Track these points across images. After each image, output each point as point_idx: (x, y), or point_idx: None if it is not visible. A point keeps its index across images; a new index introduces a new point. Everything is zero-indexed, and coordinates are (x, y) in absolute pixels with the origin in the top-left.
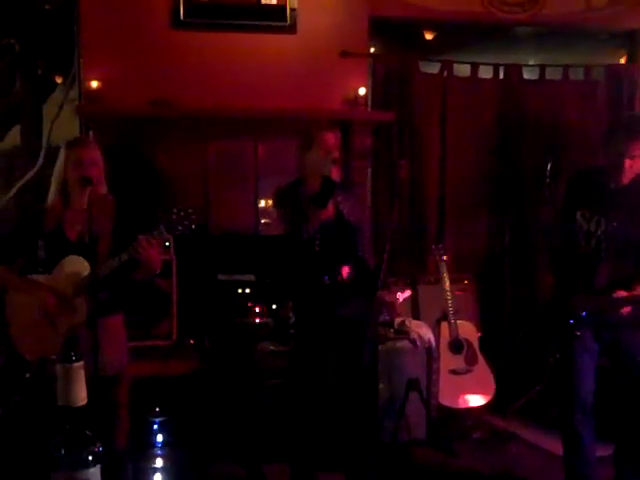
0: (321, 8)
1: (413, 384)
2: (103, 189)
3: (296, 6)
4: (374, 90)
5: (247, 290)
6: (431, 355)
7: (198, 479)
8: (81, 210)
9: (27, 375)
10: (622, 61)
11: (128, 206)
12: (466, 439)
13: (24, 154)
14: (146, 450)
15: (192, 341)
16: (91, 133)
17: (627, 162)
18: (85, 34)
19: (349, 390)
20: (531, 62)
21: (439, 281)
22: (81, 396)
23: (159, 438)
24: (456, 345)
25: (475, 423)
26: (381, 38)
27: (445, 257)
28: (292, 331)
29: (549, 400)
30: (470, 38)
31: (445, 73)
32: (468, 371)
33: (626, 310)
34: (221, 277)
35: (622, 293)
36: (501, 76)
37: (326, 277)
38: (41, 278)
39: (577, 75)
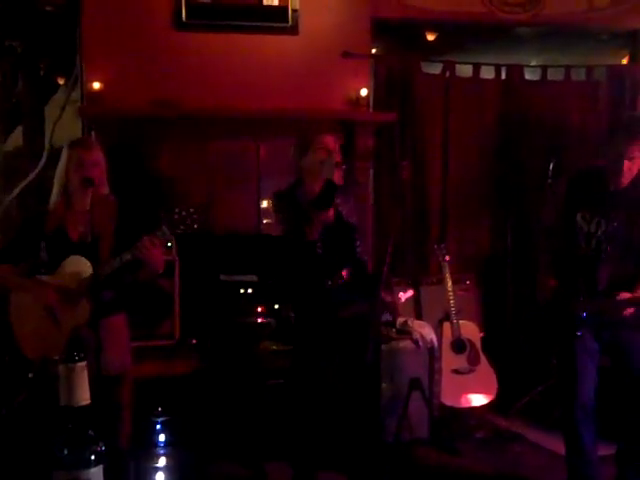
0: (323, 9)
1: (415, 384)
2: (105, 190)
3: (298, 7)
4: (376, 91)
5: (249, 290)
6: (433, 355)
7: (201, 479)
8: (83, 211)
9: (30, 375)
10: (624, 61)
11: (130, 207)
12: (469, 439)
13: (26, 155)
14: (148, 450)
15: (194, 341)
16: (93, 134)
17: (626, 164)
18: (87, 35)
19: (351, 390)
20: (533, 63)
21: (441, 281)
22: (84, 396)
23: (161, 438)
24: (458, 345)
25: (478, 423)
26: (383, 39)
27: (447, 257)
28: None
29: (552, 400)
30: (472, 39)
31: (447, 74)
32: (470, 371)
33: (629, 311)
34: (223, 277)
35: (625, 295)
36: (503, 77)
37: (328, 279)
38: (44, 279)
39: (579, 75)
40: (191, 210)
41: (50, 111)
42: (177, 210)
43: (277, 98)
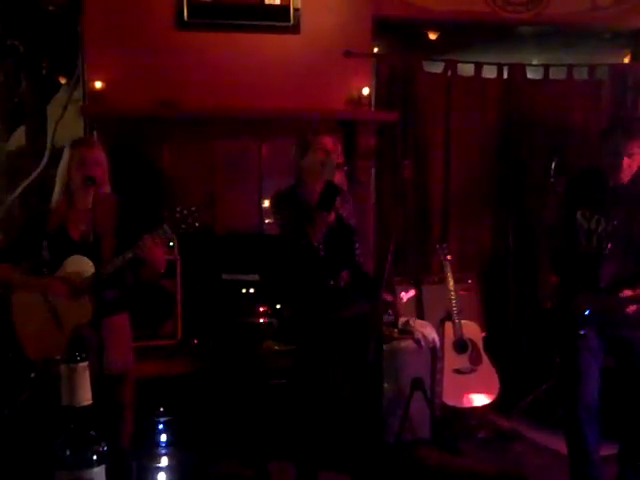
0: (325, 8)
1: (417, 384)
2: (107, 189)
3: (300, 6)
4: (378, 90)
5: (251, 290)
6: (435, 355)
7: (203, 479)
8: (85, 210)
9: (32, 375)
10: (626, 60)
11: (132, 206)
12: (471, 439)
13: (29, 155)
14: (151, 449)
15: (196, 341)
16: (95, 133)
17: (625, 161)
18: (89, 35)
19: (353, 390)
20: (535, 62)
21: (443, 281)
22: (86, 396)
23: (163, 437)
24: (460, 345)
25: (480, 423)
26: (385, 38)
27: (449, 257)
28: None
29: (554, 399)
30: (474, 38)
31: (449, 73)
32: (472, 371)
33: (632, 309)
34: (225, 277)
35: (627, 292)
36: (505, 76)
37: (330, 280)
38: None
39: (581, 75)
40: (193, 209)
41: (52, 110)
42: (179, 209)
43: (279, 97)
